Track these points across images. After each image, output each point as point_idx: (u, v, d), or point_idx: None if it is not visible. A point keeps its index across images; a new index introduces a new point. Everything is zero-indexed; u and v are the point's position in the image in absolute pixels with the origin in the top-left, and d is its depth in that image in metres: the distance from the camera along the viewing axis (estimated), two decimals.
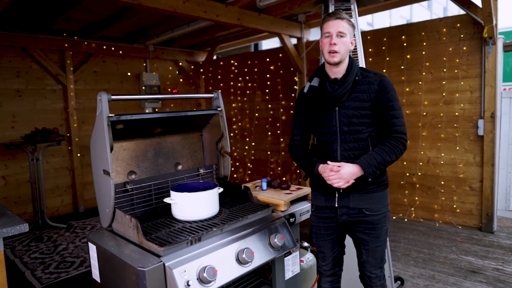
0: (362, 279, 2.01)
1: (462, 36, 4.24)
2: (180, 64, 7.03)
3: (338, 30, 1.76)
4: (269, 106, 6.22)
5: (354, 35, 1.88)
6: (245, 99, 6.61)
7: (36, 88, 5.29)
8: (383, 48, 4.80)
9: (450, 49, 4.32)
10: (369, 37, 4.89)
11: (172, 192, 1.86)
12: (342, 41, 1.77)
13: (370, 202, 1.85)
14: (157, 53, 6.49)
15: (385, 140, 1.81)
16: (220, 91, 2.32)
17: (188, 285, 1.44)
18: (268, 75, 6.18)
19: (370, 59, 4.89)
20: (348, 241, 2.07)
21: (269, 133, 6.27)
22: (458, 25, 4.26)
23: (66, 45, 5.37)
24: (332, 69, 1.84)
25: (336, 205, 1.88)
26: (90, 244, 1.75)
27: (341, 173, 1.74)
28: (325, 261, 2.01)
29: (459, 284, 3.04)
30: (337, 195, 1.87)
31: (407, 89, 4.63)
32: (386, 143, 1.79)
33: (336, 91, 1.79)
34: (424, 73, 4.52)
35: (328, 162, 1.79)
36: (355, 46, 2.99)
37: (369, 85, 1.81)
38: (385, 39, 4.79)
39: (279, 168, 6.21)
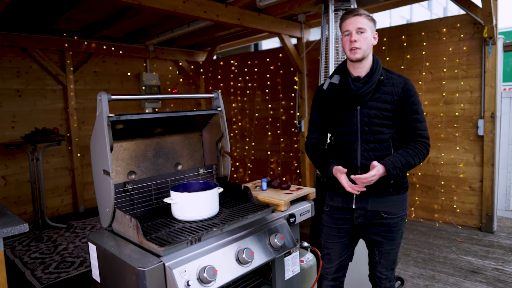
0: (371, 279, 1.99)
1: (462, 36, 4.24)
2: (180, 64, 7.03)
3: (358, 27, 1.72)
4: (269, 106, 6.22)
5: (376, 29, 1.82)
6: (245, 99, 6.61)
7: (36, 88, 5.29)
8: (383, 48, 4.80)
9: (450, 49, 4.32)
10: None
11: (172, 192, 1.85)
12: (363, 36, 1.73)
13: (389, 205, 1.81)
14: (157, 53, 6.49)
15: (409, 143, 1.77)
16: (220, 91, 2.31)
17: (188, 285, 1.44)
18: (268, 75, 6.18)
19: None
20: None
21: (269, 133, 6.27)
22: (458, 25, 4.26)
23: (66, 45, 5.37)
24: (355, 66, 1.79)
25: (354, 207, 1.85)
26: (90, 244, 1.75)
27: (379, 167, 1.67)
28: (330, 263, 1.98)
29: (459, 284, 3.04)
30: (354, 196, 1.84)
31: None
32: (410, 146, 1.75)
33: (360, 89, 1.75)
34: (424, 73, 4.52)
35: (352, 177, 1.71)
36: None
37: (393, 87, 1.77)
38: (385, 39, 4.79)
39: (279, 168, 6.21)
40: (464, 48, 4.24)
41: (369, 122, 1.77)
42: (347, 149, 1.82)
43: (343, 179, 1.76)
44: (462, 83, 4.28)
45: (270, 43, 9.93)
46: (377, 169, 1.68)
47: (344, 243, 1.94)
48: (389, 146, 1.77)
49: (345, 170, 1.76)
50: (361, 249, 2.30)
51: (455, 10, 20.08)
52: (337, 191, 1.90)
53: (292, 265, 2.08)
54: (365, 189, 1.73)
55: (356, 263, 2.35)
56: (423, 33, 4.50)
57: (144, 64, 6.59)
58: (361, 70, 1.79)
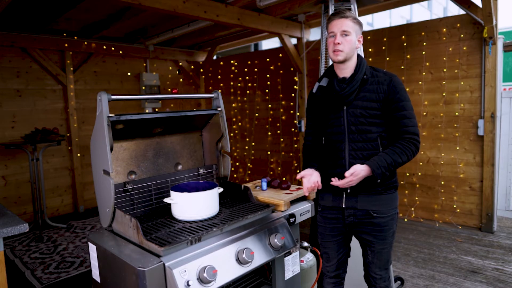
0: (366, 279, 2.00)
1: (462, 36, 4.24)
2: (180, 64, 7.03)
3: (342, 29, 1.75)
4: (269, 106, 6.22)
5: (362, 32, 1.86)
6: (245, 99, 6.61)
7: (36, 88, 5.29)
8: (383, 48, 4.80)
9: (450, 49, 4.32)
10: (369, 37, 4.89)
11: (172, 192, 1.86)
12: (347, 39, 1.76)
13: (378, 204, 1.83)
14: (157, 53, 6.49)
15: (397, 141, 1.78)
16: (220, 91, 2.32)
17: (188, 285, 1.44)
18: (268, 75, 6.18)
19: (370, 59, 4.89)
20: (352, 241, 2.07)
21: (269, 133, 6.27)
22: (458, 25, 4.26)
23: (66, 45, 5.37)
24: (339, 68, 1.83)
25: (343, 206, 1.87)
26: (90, 244, 1.75)
27: (357, 172, 1.71)
28: (329, 262, 2.00)
29: (459, 284, 3.04)
30: (344, 195, 1.86)
31: (407, 89, 4.62)
32: (398, 144, 1.76)
33: (343, 90, 1.78)
34: (424, 73, 4.52)
35: (332, 179, 1.77)
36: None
37: (378, 85, 1.79)
38: (385, 39, 4.79)
39: (279, 168, 6.21)
40: (464, 48, 4.24)
41: (355, 121, 1.79)
42: (335, 149, 1.86)
43: (305, 182, 1.83)
44: (462, 83, 4.28)
45: (270, 43, 9.93)
46: (350, 172, 1.71)
47: (339, 241, 1.97)
48: (377, 145, 1.79)
49: (308, 173, 1.83)
50: (359, 249, 2.31)
51: (455, 10, 20.09)
52: (327, 191, 1.92)
53: (292, 265, 2.08)
54: (319, 186, 1.79)
55: (355, 262, 2.36)
56: (423, 33, 4.50)
57: (144, 64, 6.59)
58: (346, 71, 1.82)
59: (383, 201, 1.83)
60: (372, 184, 1.79)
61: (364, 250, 1.95)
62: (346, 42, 1.76)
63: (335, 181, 1.76)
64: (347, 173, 1.73)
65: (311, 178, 1.83)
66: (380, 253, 1.89)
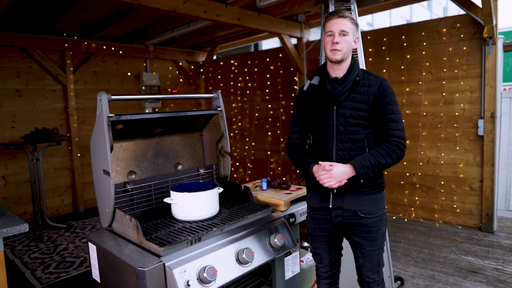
0: (360, 284, 1.99)
1: (462, 36, 4.24)
2: (180, 64, 7.03)
3: (341, 29, 1.76)
4: (269, 106, 6.22)
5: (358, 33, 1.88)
6: (245, 99, 6.61)
7: (36, 88, 5.29)
8: (383, 48, 4.80)
9: (450, 49, 4.32)
10: (369, 37, 4.89)
11: (172, 192, 1.86)
12: (345, 39, 1.77)
13: (364, 205, 1.82)
14: (157, 53, 6.49)
15: (382, 143, 1.79)
16: (220, 91, 2.32)
17: (188, 285, 1.44)
18: (268, 75, 6.18)
19: (370, 59, 4.89)
20: (347, 242, 2.06)
21: (269, 133, 6.27)
22: (458, 25, 4.26)
23: (66, 45, 5.37)
24: (333, 67, 1.83)
25: (330, 206, 1.86)
26: (90, 244, 1.75)
27: (332, 173, 1.72)
28: (321, 263, 1.98)
29: (459, 284, 3.04)
30: (331, 195, 1.85)
31: (407, 89, 4.63)
32: (383, 146, 1.77)
33: (335, 90, 1.78)
34: (424, 73, 4.52)
35: (320, 162, 1.78)
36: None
37: (369, 87, 1.80)
38: (385, 39, 4.79)
39: (279, 168, 6.21)
40: (464, 48, 4.24)
41: (344, 122, 1.80)
42: (322, 148, 1.85)
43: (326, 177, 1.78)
44: (462, 83, 4.28)
45: (270, 43, 9.93)
46: (329, 163, 1.74)
47: (329, 241, 1.95)
48: (363, 146, 1.79)
49: (324, 166, 1.78)
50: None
51: (455, 10, 20.09)
52: (315, 191, 1.91)
53: (292, 265, 2.08)
54: (333, 184, 1.74)
55: (351, 264, 2.35)
56: (423, 33, 4.50)
57: (144, 64, 6.59)
58: (339, 71, 1.83)
59: (370, 201, 1.83)
60: (357, 185, 1.79)
61: (354, 252, 1.94)
62: (344, 42, 1.77)
63: (322, 163, 1.77)
64: (326, 163, 1.75)
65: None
66: (370, 255, 1.87)
